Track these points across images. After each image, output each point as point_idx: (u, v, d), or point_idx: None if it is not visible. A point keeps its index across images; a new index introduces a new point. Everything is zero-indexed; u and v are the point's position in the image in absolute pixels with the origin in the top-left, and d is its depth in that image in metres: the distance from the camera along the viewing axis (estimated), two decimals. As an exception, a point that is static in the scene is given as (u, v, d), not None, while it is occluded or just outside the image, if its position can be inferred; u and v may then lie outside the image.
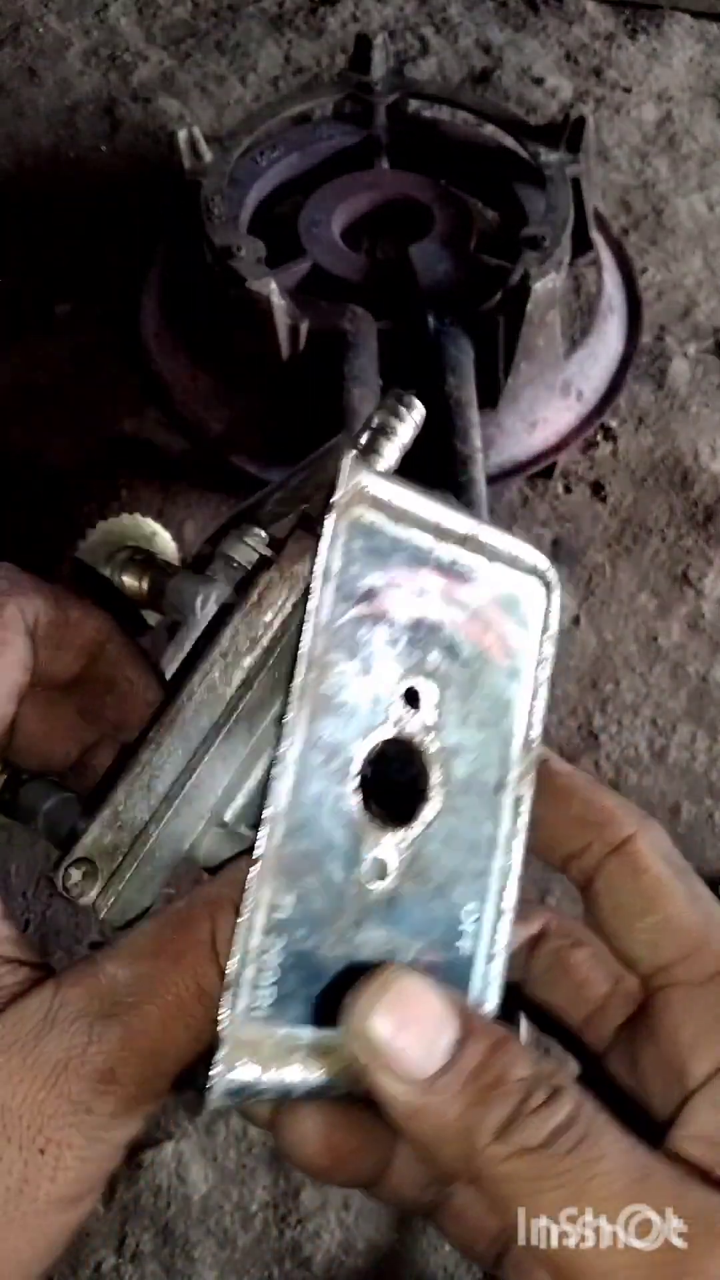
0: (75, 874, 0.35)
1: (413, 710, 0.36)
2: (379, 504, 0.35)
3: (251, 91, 1.88)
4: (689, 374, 1.54)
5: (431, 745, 0.37)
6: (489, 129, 1.56)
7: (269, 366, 1.31)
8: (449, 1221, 0.43)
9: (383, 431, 0.39)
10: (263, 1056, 0.33)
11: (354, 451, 0.35)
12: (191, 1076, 0.35)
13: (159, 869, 0.36)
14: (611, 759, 1.27)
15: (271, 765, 0.33)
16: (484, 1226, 0.43)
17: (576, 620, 1.37)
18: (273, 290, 1.24)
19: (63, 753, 0.43)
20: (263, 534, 0.41)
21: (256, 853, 0.32)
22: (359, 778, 0.35)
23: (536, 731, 0.40)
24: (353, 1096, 0.35)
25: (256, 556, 0.41)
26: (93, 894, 0.35)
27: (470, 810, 0.37)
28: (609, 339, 1.49)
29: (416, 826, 0.36)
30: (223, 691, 0.37)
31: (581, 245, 1.46)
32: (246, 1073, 0.32)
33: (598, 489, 1.46)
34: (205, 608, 0.40)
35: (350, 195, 1.46)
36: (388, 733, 0.36)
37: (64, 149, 1.81)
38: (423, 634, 0.36)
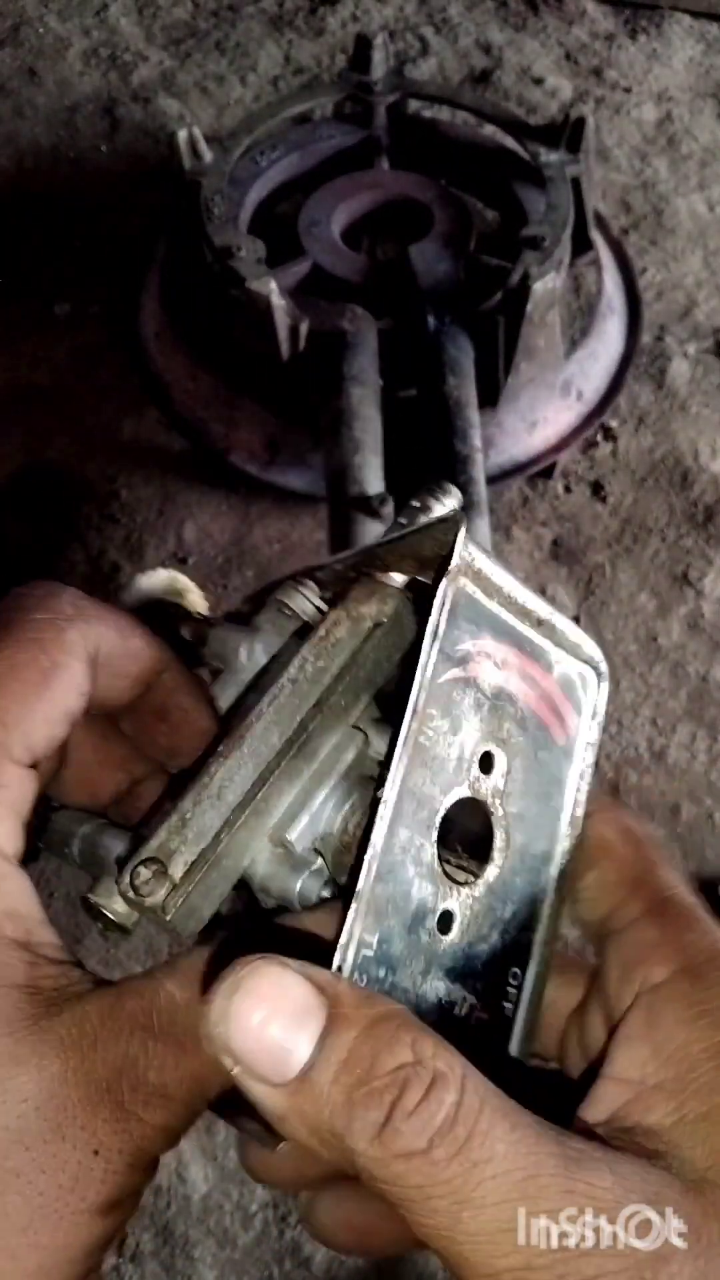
0: (145, 873, 0.35)
1: (485, 775, 0.38)
2: (479, 577, 0.38)
3: (251, 91, 1.88)
4: (689, 374, 1.54)
5: (498, 810, 0.38)
6: (489, 129, 1.56)
7: (269, 366, 1.31)
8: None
9: (420, 513, 0.41)
10: None
11: (465, 526, 0.37)
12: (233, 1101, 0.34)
13: (223, 878, 0.36)
14: (611, 759, 1.27)
15: (374, 806, 0.34)
16: None
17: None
18: (273, 290, 1.24)
19: (112, 785, 0.43)
20: (316, 588, 0.42)
21: (359, 887, 0.33)
22: (437, 831, 0.36)
23: (581, 810, 0.42)
24: None
25: (311, 606, 0.42)
26: (161, 894, 0.35)
27: (524, 876, 0.39)
28: (609, 339, 1.49)
29: (480, 886, 0.37)
30: (291, 714, 0.38)
31: (581, 245, 1.46)
32: None
33: (598, 489, 1.46)
34: (251, 656, 0.42)
35: (350, 195, 1.46)
36: (464, 792, 0.37)
37: (64, 149, 1.81)
38: (501, 703, 0.39)
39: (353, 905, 0.33)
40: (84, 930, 1.16)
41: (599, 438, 1.48)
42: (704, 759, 1.27)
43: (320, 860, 0.38)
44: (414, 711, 0.35)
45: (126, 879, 0.35)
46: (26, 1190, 0.32)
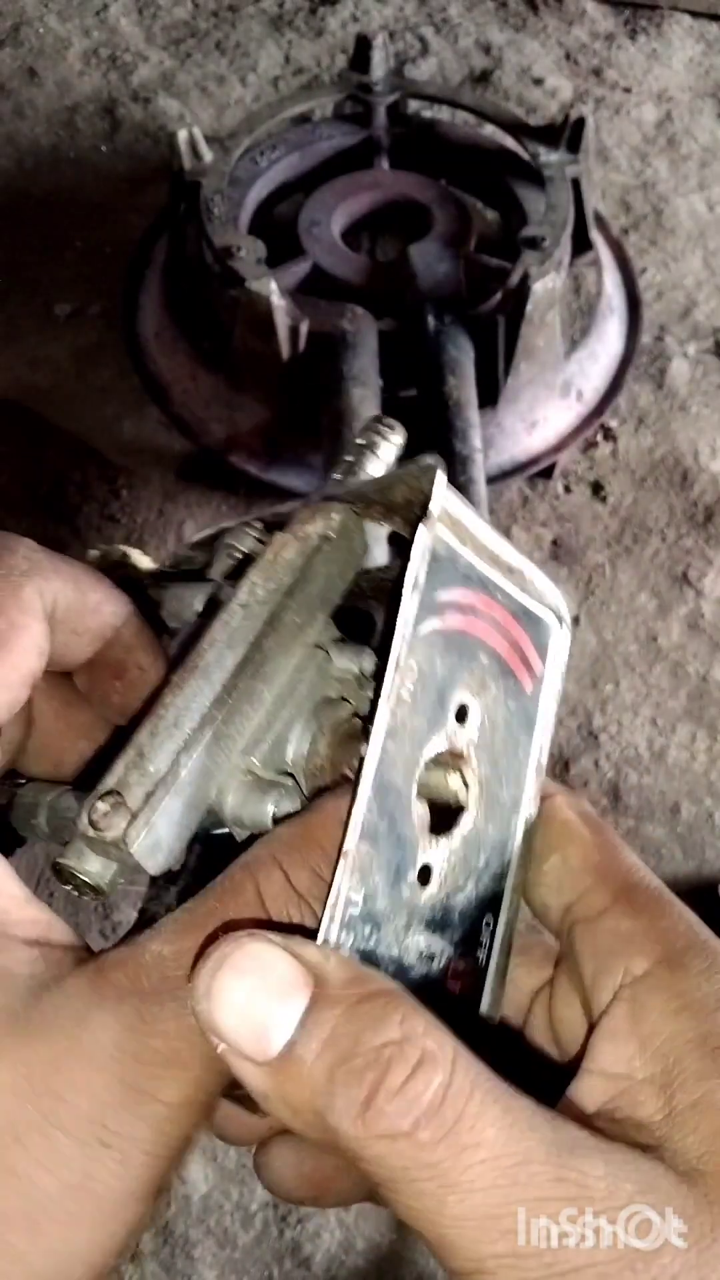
0: (102, 806, 0.34)
1: (460, 726, 0.37)
2: (455, 525, 0.37)
3: (251, 92, 1.88)
4: (689, 374, 1.54)
5: (472, 760, 0.37)
6: (489, 129, 1.56)
7: (269, 366, 1.31)
8: None
9: (367, 450, 0.40)
10: None
11: (442, 470, 0.36)
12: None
13: (189, 807, 0.35)
14: (611, 759, 1.27)
15: (360, 762, 0.33)
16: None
17: (577, 620, 1.37)
18: (273, 290, 1.24)
19: (76, 753, 0.42)
20: (262, 529, 0.41)
21: (345, 846, 0.32)
22: (417, 785, 0.35)
23: (545, 756, 0.41)
24: None
25: (255, 541, 0.41)
26: (121, 826, 0.33)
27: (495, 826, 0.38)
28: (609, 339, 1.49)
29: (457, 837, 0.37)
30: (244, 636, 0.37)
31: (581, 245, 1.46)
32: None
33: (598, 489, 1.46)
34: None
35: (350, 195, 1.46)
36: (442, 744, 0.36)
37: (64, 149, 1.81)
38: (475, 653, 0.38)
39: (339, 866, 0.32)
40: (83, 930, 1.16)
41: (599, 438, 1.48)
42: (704, 759, 1.27)
43: (291, 780, 0.37)
44: (396, 666, 0.34)
45: (84, 817, 0.34)
46: (29, 1190, 0.30)
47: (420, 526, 0.35)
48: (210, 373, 1.41)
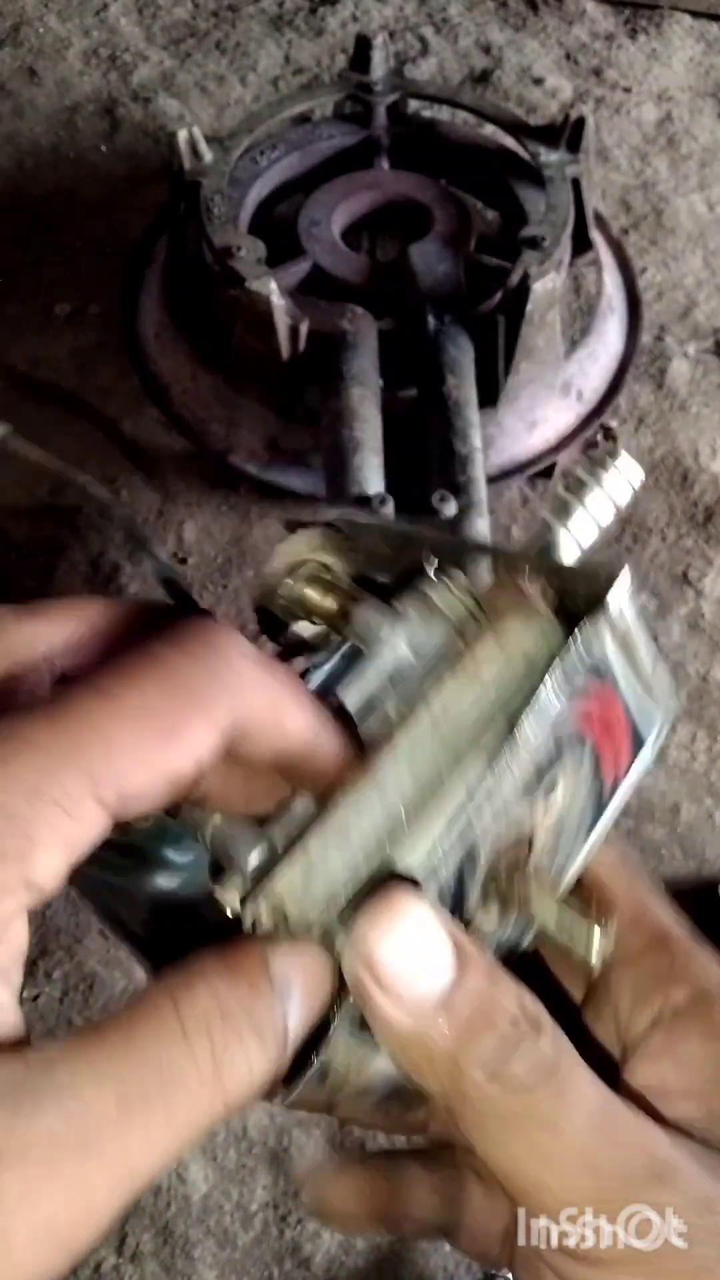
0: (264, 912, 0.34)
1: (544, 800, 0.38)
2: (618, 626, 0.38)
3: (251, 92, 1.88)
4: (689, 374, 1.54)
5: (539, 840, 0.38)
6: (489, 129, 1.56)
7: (269, 366, 1.31)
8: (464, 1239, 0.45)
9: (587, 485, 0.40)
10: (339, 1052, 0.34)
11: (630, 573, 0.38)
12: None
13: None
14: (611, 759, 1.27)
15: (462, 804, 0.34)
16: (492, 1233, 0.44)
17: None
18: (273, 290, 1.24)
19: (259, 806, 0.39)
20: (465, 580, 0.40)
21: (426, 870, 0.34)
22: (495, 849, 0.36)
23: (601, 842, 0.43)
24: (391, 1104, 0.38)
25: (464, 612, 0.39)
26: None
27: None
28: (609, 339, 1.49)
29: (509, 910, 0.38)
30: (426, 754, 0.36)
31: (581, 245, 1.46)
32: (332, 1058, 0.34)
33: (598, 489, 1.46)
34: (393, 644, 0.39)
35: (350, 195, 1.46)
36: (524, 814, 0.37)
37: (64, 149, 1.81)
38: (581, 741, 0.39)
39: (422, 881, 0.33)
40: (84, 930, 1.16)
41: (599, 438, 1.48)
42: (704, 759, 1.27)
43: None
44: (517, 742, 0.35)
45: (249, 920, 0.34)
46: None
47: (589, 621, 0.37)
48: (210, 373, 1.41)
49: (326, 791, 0.37)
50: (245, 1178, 1.07)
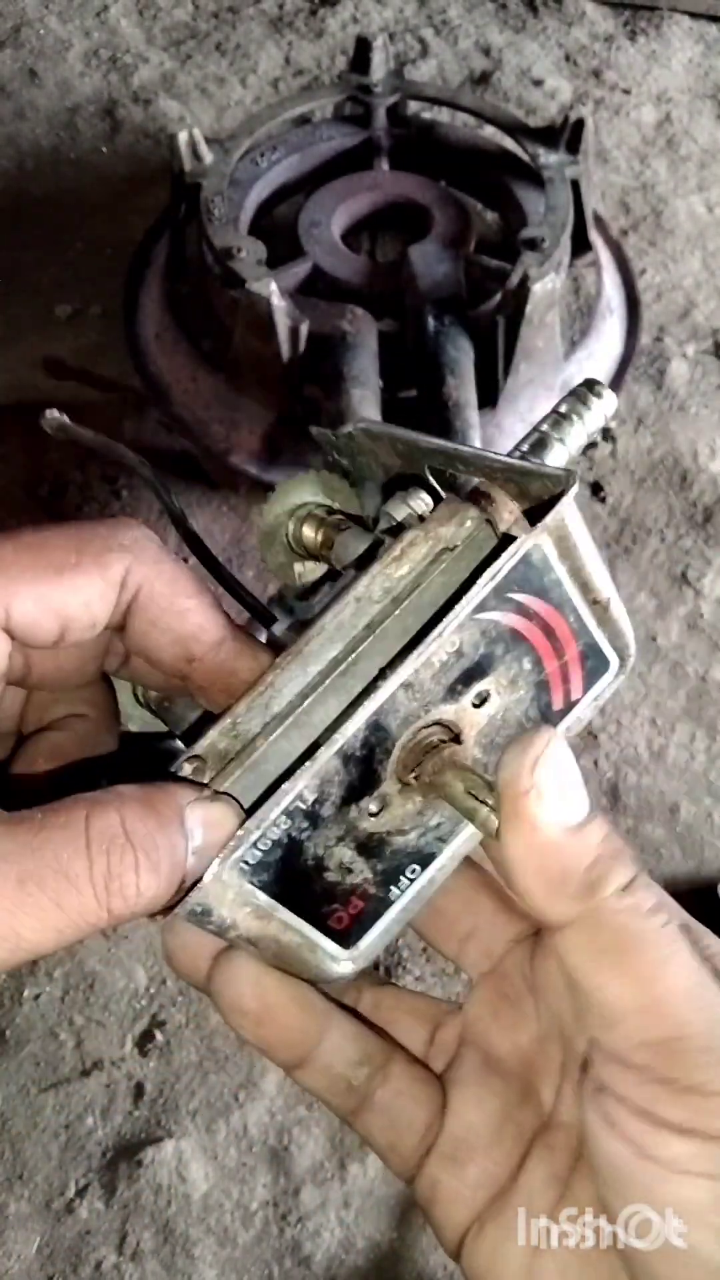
0: (187, 768, 0.38)
1: (475, 709, 0.41)
2: (562, 541, 0.39)
3: (252, 93, 1.88)
4: (688, 375, 1.55)
5: (469, 740, 0.41)
6: (488, 131, 1.56)
7: (269, 367, 1.31)
8: (373, 1118, 0.45)
9: (570, 418, 0.42)
10: (227, 898, 0.38)
11: (575, 488, 0.38)
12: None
13: (261, 781, 0.38)
14: (611, 759, 1.27)
15: (370, 689, 0.38)
16: (410, 1124, 0.45)
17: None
18: (273, 291, 1.25)
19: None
20: (426, 498, 0.43)
21: (322, 753, 0.37)
22: (413, 734, 0.39)
23: None
24: (279, 962, 0.41)
25: (409, 513, 0.43)
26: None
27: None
28: (608, 339, 1.50)
29: (422, 798, 0.41)
30: (349, 631, 0.40)
31: (581, 246, 1.46)
32: (213, 902, 0.38)
33: (597, 489, 1.46)
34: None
35: (350, 197, 1.46)
36: (449, 714, 0.40)
37: (65, 150, 1.81)
38: (521, 658, 0.41)
39: (308, 763, 0.37)
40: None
41: (598, 438, 1.48)
42: (703, 759, 1.27)
43: None
44: (439, 635, 0.38)
45: (172, 772, 0.38)
46: None
47: (526, 533, 0.39)
48: (210, 373, 1.41)
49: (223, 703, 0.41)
50: (245, 1176, 1.07)
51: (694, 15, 1.97)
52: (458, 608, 0.38)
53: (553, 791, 0.36)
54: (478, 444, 1.23)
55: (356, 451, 0.46)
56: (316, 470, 0.47)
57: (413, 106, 1.61)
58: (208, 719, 0.43)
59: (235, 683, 0.41)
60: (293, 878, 0.39)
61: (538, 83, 1.90)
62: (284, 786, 0.37)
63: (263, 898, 0.38)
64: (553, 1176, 0.43)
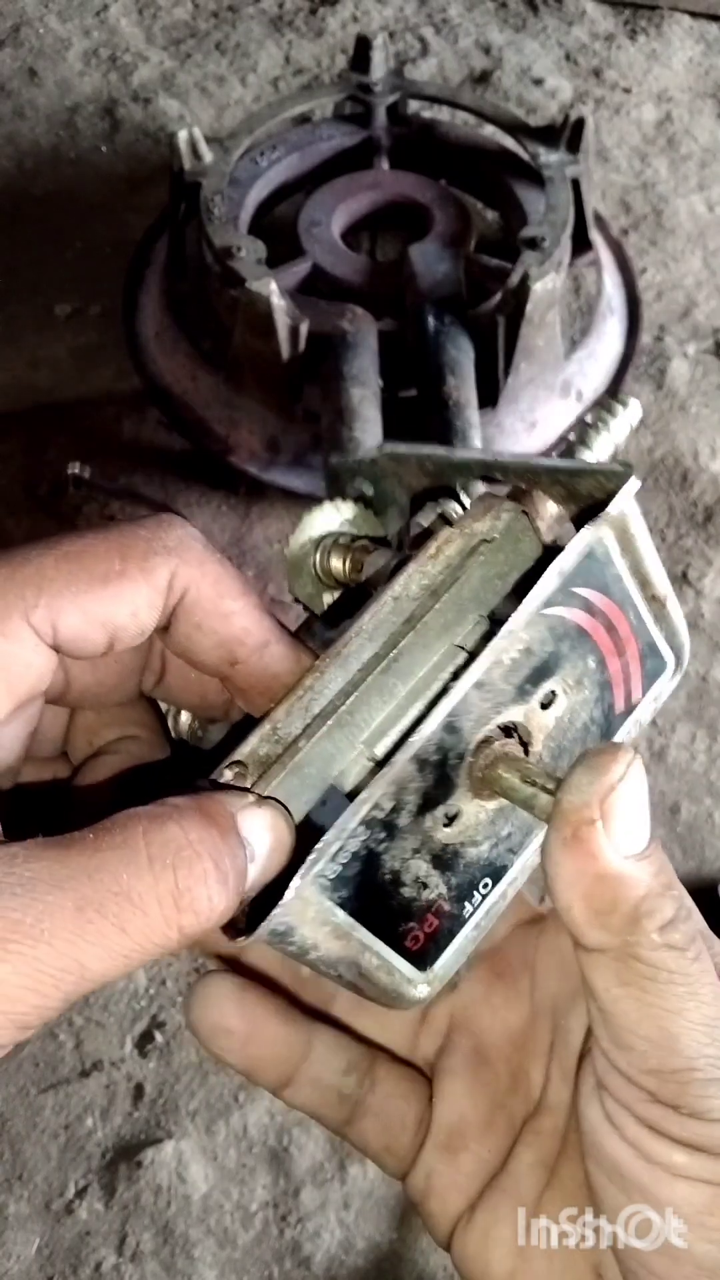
0: (228, 774, 0.37)
1: (542, 710, 0.39)
2: (623, 535, 0.39)
3: (251, 92, 1.88)
4: (688, 374, 1.54)
5: (536, 744, 0.40)
6: (489, 130, 1.56)
7: (269, 367, 1.31)
8: (367, 1124, 0.45)
9: (596, 428, 0.41)
10: (308, 915, 0.36)
11: (635, 482, 0.37)
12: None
13: (306, 785, 0.37)
14: (611, 759, 1.27)
15: (441, 694, 0.37)
16: (403, 1122, 0.45)
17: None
18: (273, 290, 1.25)
19: (215, 689, 0.42)
20: (457, 506, 0.43)
21: (399, 757, 0.36)
22: (485, 739, 0.38)
23: None
24: (355, 987, 0.40)
25: (435, 516, 0.42)
26: None
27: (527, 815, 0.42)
28: (609, 339, 1.49)
29: (493, 805, 0.40)
30: (387, 628, 0.39)
31: (581, 246, 1.46)
32: (295, 920, 0.36)
33: (597, 489, 1.46)
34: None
35: (350, 196, 1.46)
36: (518, 717, 0.39)
37: (64, 149, 1.81)
38: (585, 653, 0.40)
39: (383, 771, 0.36)
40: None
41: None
42: (704, 759, 1.27)
43: None
44: (509, 632, 0.37)
45: (212, 780, 0.37)
46: None
47: (590, 523, 0.37)
48: (210, 373, 1.41)
49: (267, 706, 0.39)
50: (245, 1177, 1.07)
51: (694, 14, 1.96)
52: (526, 601, 0.36)
53: (621, 822, 0.34)
54: (478, 444, 1.22)
55: (380, 476, 0.45)
56: (335, 500, 0.46)
57: (413, 105, 1.61)
58: (245, 727, 0.42)
59: (277, 686, 0.40)
60: (370, 894, 0.37)
61: (538, 82, 1.89)
62: (362, 795, 0.35)
63: (341, 915, 0.37)
64: (540, 1162, 0.43)
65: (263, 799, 0.36)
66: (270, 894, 0.35)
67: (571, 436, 0.42)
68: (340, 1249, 1.04)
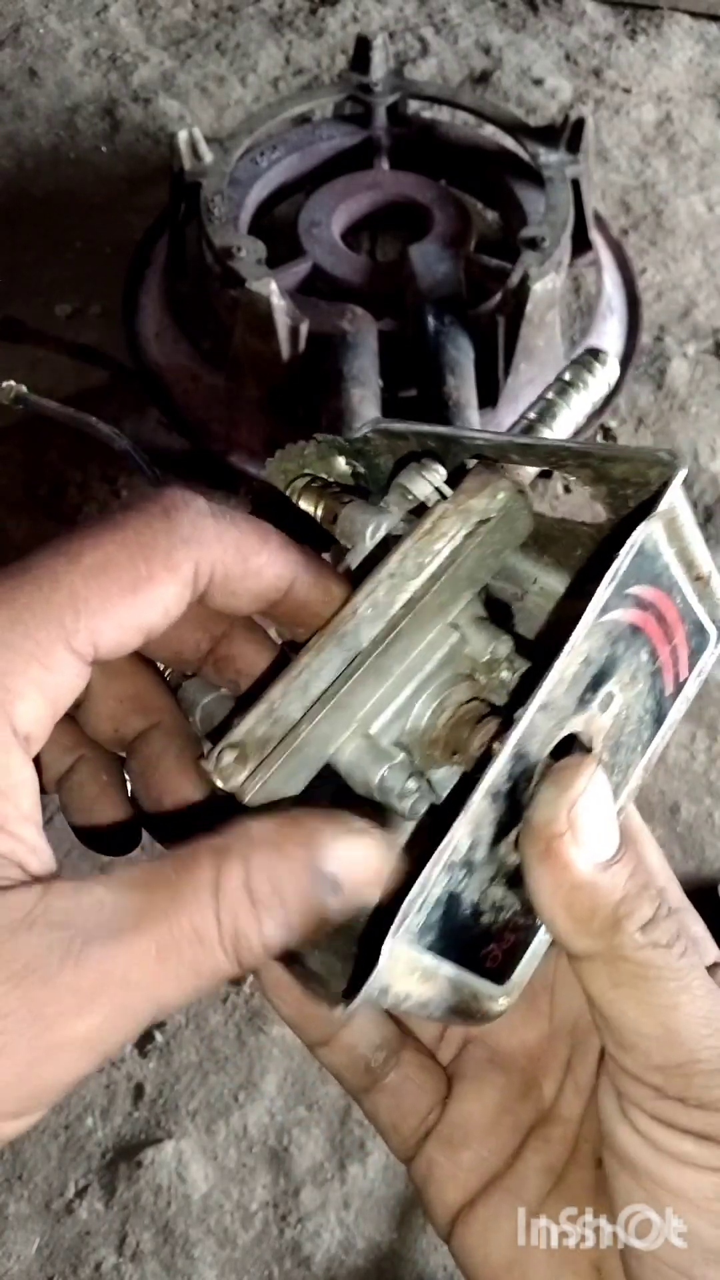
0: (227, 757, 0.37)
1: (600, 713, 0.39)
2: (670, 523, 0.38)
3: (251, 92, 1.88)
4: (688, 374, 1.54)
5: (597, 746, 0.40)
6: (489, 130, 1.56)
7: (269, 367, 1.31)
8: (381, 1098, 0.47)
9: (574, 385, 0.41)
10: (398, 970, 0.36)
11: (685, 471, 0.37)
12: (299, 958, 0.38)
13: (304, 765, 0.38)
14: (611, 759, 1.27)
15: (509, 724, 0.36)
16: (414, 1107, 0.46)
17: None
18: (273, 291, 1.25)
19: (193, 643, 0.42)
20: (442, 471, 0.41)
21: (475, 796, 0.35)
22: (550, 758, 0.38)
23: (658, 756, 0.44)
24: (441, 1019, 0.39)
25: (431, 490, 0.41)
26: (240, 778, 0.37)
27: None
28: (609, 339, 1.49)
29: None
30: (385, 610, 0.39)
31: (581, 246, 1.46)
32: (390, 979, 0.35)
33: (597, 489, 1.46)
34: (375, 536, 0.41)
35: (350, 196, 1.46)
36: (579, 727, 0.39)
37: (64, 150, 1.81)
38: (638, 649, 0.40)
39: (463, 814, 0.35)
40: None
41: (599, 438, 1.48)
42: (704, 759, 1.27)
43: (404, 754, 0.39)
44: (572, 648, 0.36)
45: (212, 762, 0.37)
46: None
47: (644, 522, 0.37)
48: (210, 373, 1.41)
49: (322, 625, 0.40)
50: (245, 1177, 1.07)
51: (694, 14, 1.96)
52: (587, 614, 0.36)
53: (588, 832, 0.36)
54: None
55: (372, 455, 0.44)
56: (316, 443, 0.45)
57: (413, 105, 1.61)
58: (224, 701, 0.43)
59: (311, 616, 0.40)
60: (453, 930, 0.37)
61: (538, 82, 1.89)
62: (443, 842, 0.35)
63: (428, 959, 0.37)
64: (547, 1167, 0.44)
65: (363, 829, 0.35)
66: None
67: (550, 394, 0.41)
68: (340, 1249, 1.04)
